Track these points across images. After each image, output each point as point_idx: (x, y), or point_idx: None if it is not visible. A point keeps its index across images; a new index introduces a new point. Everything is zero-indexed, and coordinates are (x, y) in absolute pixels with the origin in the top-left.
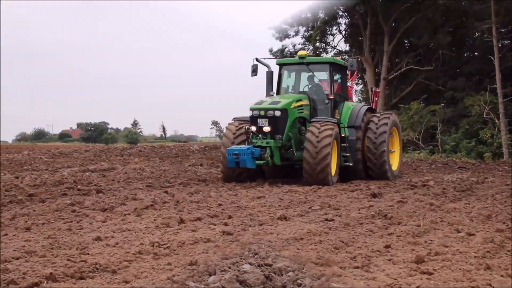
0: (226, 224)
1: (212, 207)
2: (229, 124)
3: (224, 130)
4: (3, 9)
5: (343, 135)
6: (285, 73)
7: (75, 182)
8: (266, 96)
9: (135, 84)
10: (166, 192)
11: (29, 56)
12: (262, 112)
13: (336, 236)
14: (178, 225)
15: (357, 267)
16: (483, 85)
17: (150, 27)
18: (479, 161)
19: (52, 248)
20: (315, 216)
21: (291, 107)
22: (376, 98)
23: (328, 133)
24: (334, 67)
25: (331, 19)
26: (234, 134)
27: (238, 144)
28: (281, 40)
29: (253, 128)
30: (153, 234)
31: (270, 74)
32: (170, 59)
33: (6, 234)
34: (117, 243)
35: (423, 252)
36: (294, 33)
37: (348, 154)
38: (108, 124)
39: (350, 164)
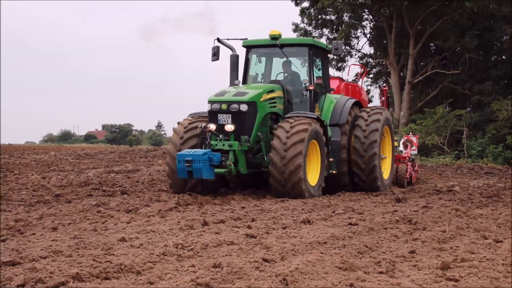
0: (249, 227)
1: (235, 210)
2: (183, 119)
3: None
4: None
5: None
6: (253, 58)
7: (100, 183)
8: (229, 86)
9: (159, 86)
10: (190, 194)
11: (55, 58)
12: (224, 106)
13: (360, 241)
14: (202, 227)
15: (381, 272)
16: (511, 89)
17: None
18: (507, 166)
19: (78, 248)
20: (339, 220)
21: (261, 99)
22: (383, 98)
23: (302, 127)
24: (314, 50)
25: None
26: (185, 128)
27: (187, 140)
28: None
29: (212, 127)
30: (177, 236)
31: (235, 59)
32: (195, 62)
33: (33, 234)
34: (141, 244)
35: (449, 258)
36: (318, 36)
37: (331, 159)
38: (132, 126)
39: (334, 172)
